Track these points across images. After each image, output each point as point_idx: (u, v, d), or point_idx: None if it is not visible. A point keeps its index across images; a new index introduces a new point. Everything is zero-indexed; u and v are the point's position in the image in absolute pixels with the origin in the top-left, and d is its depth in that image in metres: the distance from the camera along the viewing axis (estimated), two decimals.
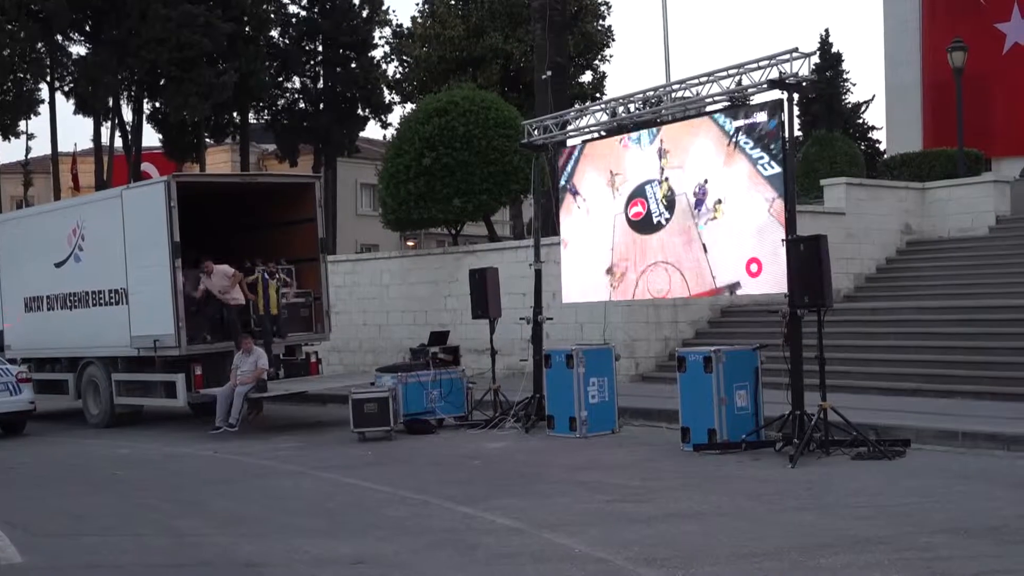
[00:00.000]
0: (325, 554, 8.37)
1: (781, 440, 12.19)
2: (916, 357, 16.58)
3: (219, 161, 50.31)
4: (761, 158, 12.69)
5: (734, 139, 12.98)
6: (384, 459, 13.50)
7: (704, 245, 13.46)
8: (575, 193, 15.60)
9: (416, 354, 16.75)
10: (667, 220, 14.01)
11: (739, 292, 13.55)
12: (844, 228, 21.60)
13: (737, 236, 13.03)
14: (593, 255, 15.27)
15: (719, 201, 13.24)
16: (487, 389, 16.46)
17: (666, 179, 14.03)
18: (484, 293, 16.37)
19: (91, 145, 40.60)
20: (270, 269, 18.25)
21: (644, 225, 14.38)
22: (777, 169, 12.50)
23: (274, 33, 42.49)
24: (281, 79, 43.25)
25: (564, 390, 14.60)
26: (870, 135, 52.32)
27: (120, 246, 17.82)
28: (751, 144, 12.81)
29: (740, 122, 12.96)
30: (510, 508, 9.81)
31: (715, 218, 13.29)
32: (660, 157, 14.17)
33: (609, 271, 14.96)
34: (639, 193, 14.46)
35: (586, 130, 15.81)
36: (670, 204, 13.92)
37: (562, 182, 15.88)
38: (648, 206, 14.30)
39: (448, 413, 16.22)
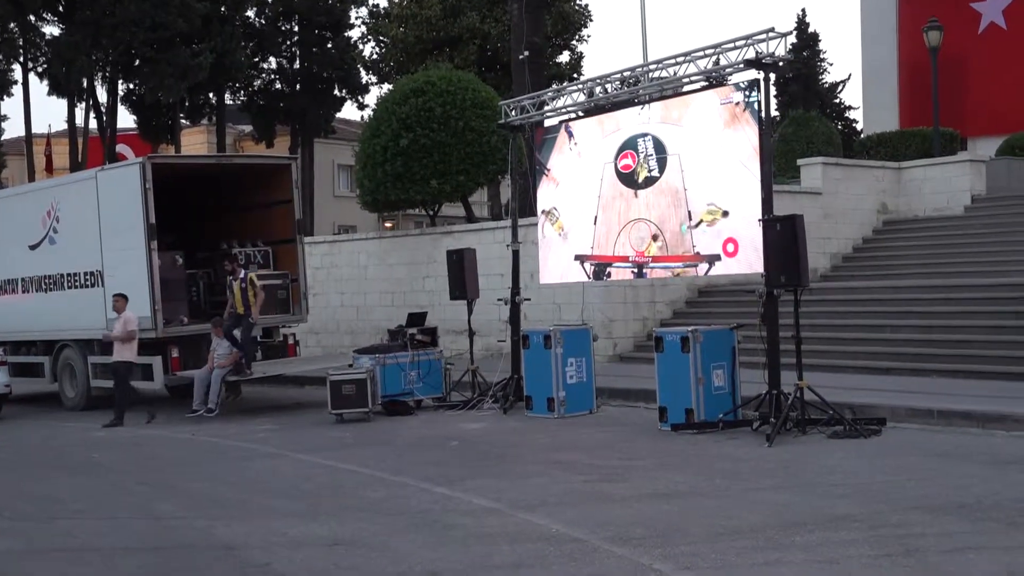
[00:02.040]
0: (302, 536, 8.37)
1: (758, 419, 12.26)
2: (892, 336, 16.68)
3: (195, 142, 50.04)
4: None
5: (746, 99, 12.67)
6: (362, 441, 13.49)
7: (690, 212, 13.44)
8: (569, 135, 15.35)
9: (394, 335, 16.75)
10: (656, 178, 13.91)
11: (714, 272, 13.53)
12: (821, 208, 21.66)
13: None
14: (576, 223, 15.16)
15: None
16: (465, 370, 16.47)
17: (659, 137, 13.90)
18: (462, 274, 16.37)
19: (65, 126, 40.30)
20: (233, 268, 17.07)
21: (631, 179, 14.31)
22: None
23: (250, 13, 42.20)
24: (257, 60, 43.02)
25: (542, 371, 14.62)
26: (847, 115, 52.57)
27: (95, 228, 17.71)
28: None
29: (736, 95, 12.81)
30: (487, 489, 9.82)
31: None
32: (657, 111, 14.08)
33: (595, 221, 14.81)
34: (630, 145, 14.30)
35: (563, 110, 15.80)
36: (661, 163, 13.85)
37: (539, 162, 15.87)
38: (637, 159, 14.22)
39: (426, 394, 16.23)
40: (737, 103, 12.74)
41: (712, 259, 13.21)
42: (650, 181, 14.00)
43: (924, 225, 22.43)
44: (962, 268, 19.24)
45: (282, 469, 11.74)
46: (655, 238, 13.88)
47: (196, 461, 12.57)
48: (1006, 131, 29.49)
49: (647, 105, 14.22)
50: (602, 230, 14.76)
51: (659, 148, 13.89)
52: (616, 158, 14.52)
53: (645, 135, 14.09)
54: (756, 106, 12.48)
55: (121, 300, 16.35)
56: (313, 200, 42.11)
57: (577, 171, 15.22)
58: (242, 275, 16.73)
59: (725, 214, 12.95)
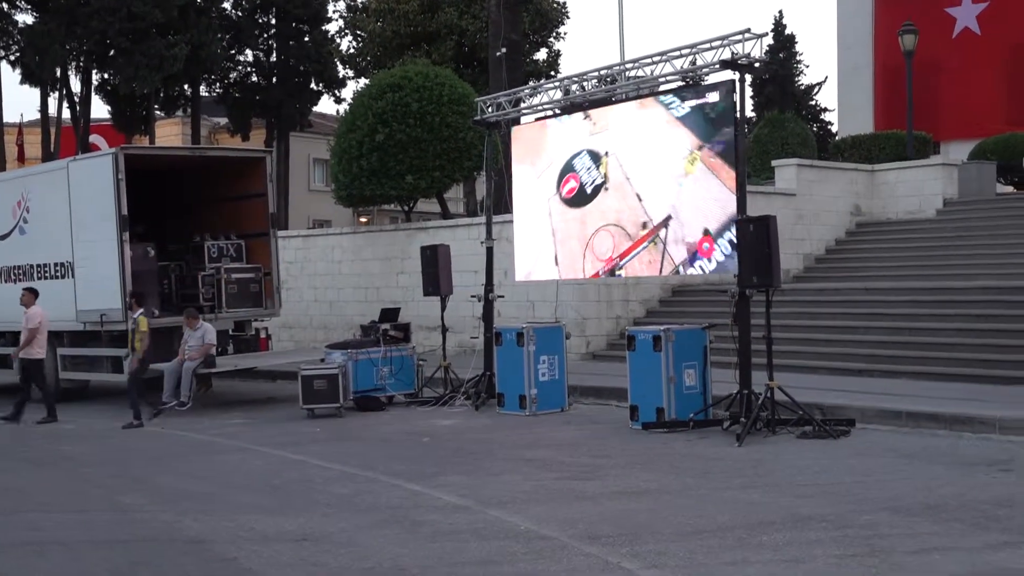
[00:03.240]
0: (270, 531, 8.34)
1: (729, 419, 12.29)
2: (863, 338, 16.78)
3: (169, 134, 49.71)
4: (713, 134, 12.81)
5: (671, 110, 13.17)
6: (333, 436, 13.46)
7: (638, 194, 13.67)
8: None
9: (367, 331, 16.71)
10: (601, 184, 14.24)
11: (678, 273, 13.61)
12: (795, 209, 21.76)
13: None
14: (543, 234, 15.33)
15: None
16: (437, 366, 16.46)
17: (594, 149, 14.31)
18: (436, 270, 16.35)
19: (38, 116, 39.95)
20: (132, 304, 15.82)
21: (580, 198, 14.56)
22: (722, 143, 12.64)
23: (227, 4, 41.97)
24: (233, 52, 42.79)
25: (514, 368, 14.62)
26: (822, 117, 52.88)
27: (66, 219, 17.57)
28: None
29: (692, 101, 12.99)
30: (458, 485, 9.82)
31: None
32: (587, 124, 14.50)
33: (555, 258, 15.17)
34: (568, 169, 14.66)
35: (539, 108, 15.81)
36: (603, 167, 14.18)
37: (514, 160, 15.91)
38: (580, 178, 14.43)
39: (398, 390, 16.21)
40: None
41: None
42: (598, 188, 14.29)
43: (896, 228, 22.57)
44: (933, 271, 19.37)
45: (252, 463, 11.70)
46: (618, 236, 14.01)
47: (165, 454, 12.50)
48: (978, 135, 29.70)
49: (586, 119, 14.52)
50: (566, 262, 15.05)
51: (595, 157, 14.29)
52: (559, 187, 14.90)
53: (579, 152, 14.50)
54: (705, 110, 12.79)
55: (29, 295, 16.03)
56: (288, 194, 41.95)
57: (525, 217, 15.66)
58: (134, 315, 15.58)
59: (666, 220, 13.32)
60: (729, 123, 12.52)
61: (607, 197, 14.17)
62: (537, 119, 15.80)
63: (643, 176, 13.68)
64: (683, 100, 13.11)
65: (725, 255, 12.59)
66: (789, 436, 11.77)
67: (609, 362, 18.18)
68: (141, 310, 15.67)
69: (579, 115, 14.61)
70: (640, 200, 13.66)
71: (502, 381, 14.93)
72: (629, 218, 13.86)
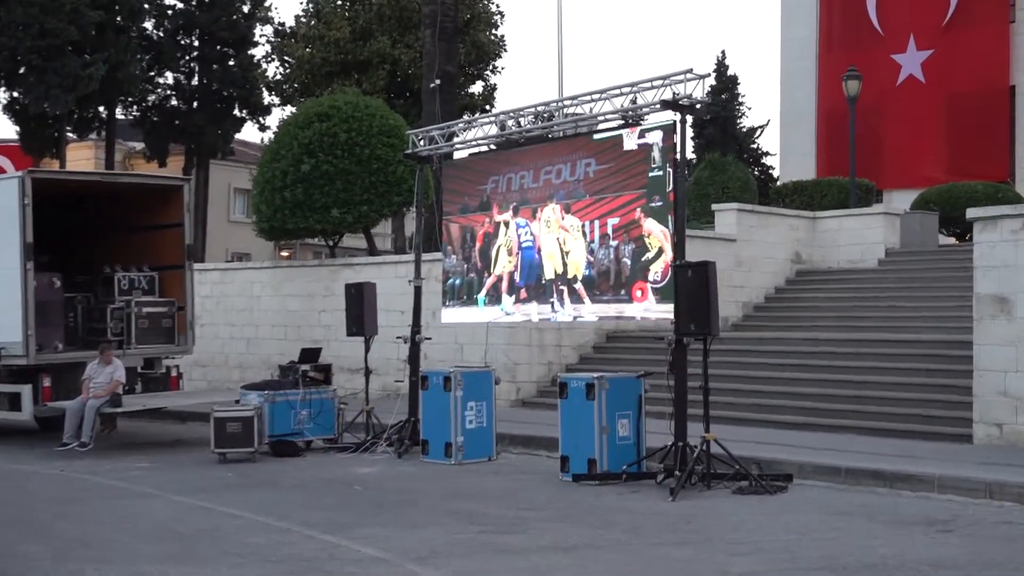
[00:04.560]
0: None
1: (663, 472, 12.32)
2: (802, 390, 16.96)
3: (81, 158, 49.10)
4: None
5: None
6: (246, 482, 13.26)
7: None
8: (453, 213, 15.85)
9: (285, 371, 16.53)
10: (532, 244, 14.63)
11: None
12: (734, 255, 22.01)
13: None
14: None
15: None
16: (359, 411, 16.32)
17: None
18: (360, 309, 16.26)
19: None
20: None
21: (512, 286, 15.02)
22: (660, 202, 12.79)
23: (147, 24, 41.53)
24: (153, 73, 42.34)
25: (440, 414, 14.54)
26: (763, 160, 53.66)
27: None
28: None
29: (638, 140, 13.13)
30: (377, 537, 9.72)
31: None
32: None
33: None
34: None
35: (474, 143, 15.87)
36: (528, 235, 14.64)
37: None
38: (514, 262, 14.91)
39: (317, 435, 16.04)
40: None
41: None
42: (530, 247, 14.54)
43: (838, 277, 22.93)
44: (875, 323, 19.68)
45: (157, 510, 11.47)
46: (563, 285, 14.12)
47: (66, 499, 12.22)
48: (921, 185, 30.34)
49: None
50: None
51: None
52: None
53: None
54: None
55: None
56: (206, 225, 41.53)
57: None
58: None
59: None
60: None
61: (545, 253, 14.39)
62: (471, 154, 15.87)
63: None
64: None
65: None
66: (725, 491, 11.83)
67: (540, 410, 18.17)
68: None
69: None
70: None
71: (427, 427, 14.84)
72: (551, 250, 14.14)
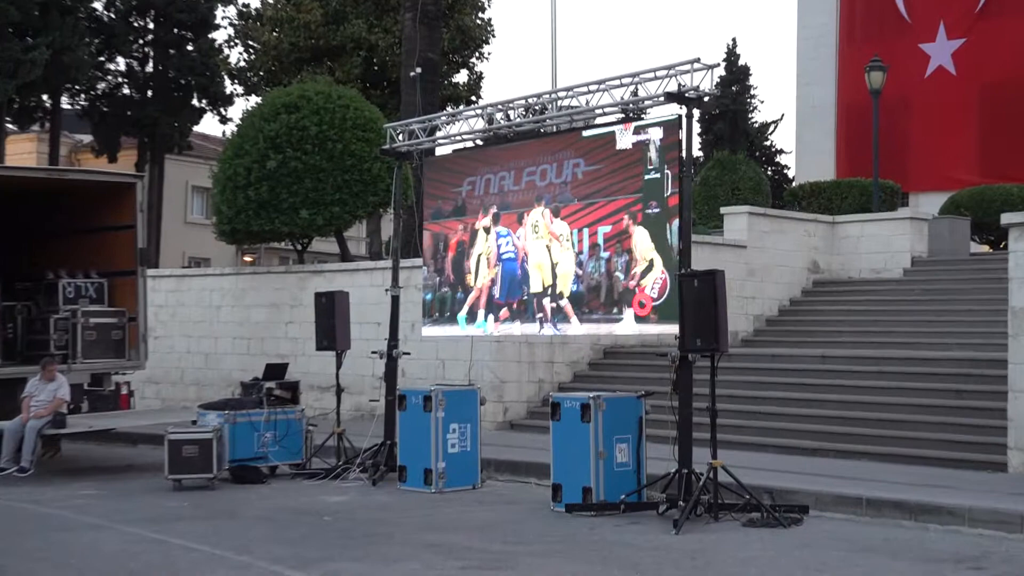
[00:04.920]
0: None
1: (665, 502, 12.33)
2: (819, 412, 16.99)
3: (22, 151, 48.98)
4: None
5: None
6: (203, 512, 13.23)
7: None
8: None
9: (248, 389, 16.53)
10: (513, 255, 14.57)
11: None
12: (745, 263, 22.08)
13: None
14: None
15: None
16: (330, 433, 16.31)
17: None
18: (331, 321, 16.24)
19: None
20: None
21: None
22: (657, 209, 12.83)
23: (97, 5, 41.64)
24: (103, 59, 42.37)
25: (420, 437, 14.52)
26: (777, 159, 53.83)
27: None
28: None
29: (633, 138, 13.16)
30: (347, 573, 9.72)
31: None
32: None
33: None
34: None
35: (458, 138, 15.88)
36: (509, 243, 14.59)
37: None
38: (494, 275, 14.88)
39: (282, 460, 16.02)
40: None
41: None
42: (511, 259, 14.58)
43: (859, 288, 22.99)
44: (899, 339, 19.69)
45: (106, 543, 11.44)
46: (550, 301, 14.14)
47: (3, 531, 12.18)
48: (950, 187, 30.37)
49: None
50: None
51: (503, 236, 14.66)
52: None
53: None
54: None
55: None
56: (161, 226, 41.54)
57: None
58: None
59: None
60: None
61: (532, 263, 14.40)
62: (455, 151, 15.87)
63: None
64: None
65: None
66: (734, 523, 11.83)
67: (529, 432, 18.18)
68: None
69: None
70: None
71: (405, 452, 14.83)
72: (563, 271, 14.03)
